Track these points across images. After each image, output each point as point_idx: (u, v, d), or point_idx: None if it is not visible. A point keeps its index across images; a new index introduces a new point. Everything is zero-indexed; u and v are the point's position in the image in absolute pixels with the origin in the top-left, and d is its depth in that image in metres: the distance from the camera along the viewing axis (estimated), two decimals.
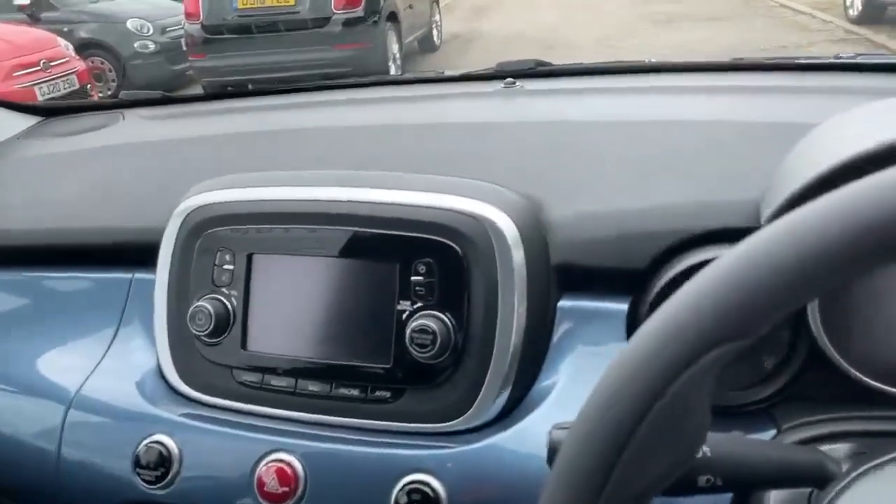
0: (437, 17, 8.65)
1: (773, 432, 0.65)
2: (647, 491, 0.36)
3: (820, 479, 0.48)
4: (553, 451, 0.49)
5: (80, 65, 6.03)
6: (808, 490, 0.55)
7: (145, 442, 0.75)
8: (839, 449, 0.59)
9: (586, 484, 0.35)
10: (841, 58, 1.08)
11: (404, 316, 0.70)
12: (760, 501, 0.57)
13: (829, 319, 0.64)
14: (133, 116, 1.20)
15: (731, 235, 0.69)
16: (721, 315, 0.33)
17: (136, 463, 0.75)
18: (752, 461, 0.47)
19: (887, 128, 0.60)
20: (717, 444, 0.47)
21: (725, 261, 0.34)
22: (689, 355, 0.34)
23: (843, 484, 0.44)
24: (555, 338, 0.73)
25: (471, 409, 0.70)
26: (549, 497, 0.36)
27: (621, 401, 0.35)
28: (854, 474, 0.45)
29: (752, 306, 0.33)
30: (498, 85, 1.09)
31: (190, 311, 0.76)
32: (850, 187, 0.32)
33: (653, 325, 0.35)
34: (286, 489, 0.70)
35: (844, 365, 0.64)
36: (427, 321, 0.69)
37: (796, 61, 1.11)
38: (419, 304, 0.70)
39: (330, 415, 0.73)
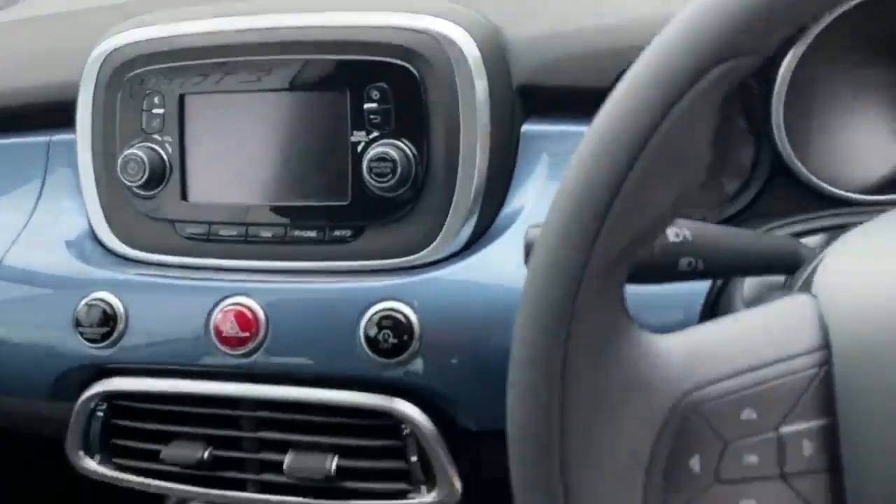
0: None
1: None
2: (649, 231, 0.34)
3: (796, 264, 0.48)
4: (531, 247, 0.47)
5: None
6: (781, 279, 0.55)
7: (84, 301, 0.70)
8: (812, 241, 0.59)
9: (586, 214, 0.32)
10: None
11: (360, 147, 0.66)
12: (735, 289, 0.57)
13: (791, 132, 0.64)
14: None
15: None
16: (733, 26, 0.31)
17: (77, 324, 0.70)
18: (733, 246, 0.47)
19: None
20: (697, 228, 0.46)
21: None
22: (697, 67, 0.32)
23: (817, 260, 0.43)
24: (519, 163, 0.70)
25: (435, 241, 0.67)
26: (548, 225, 0.34)
27: (626, 118, 0.32)
28: (826, 250, 0.44)
29: (764, 18, 0.31)
30: None
31: (120, 161, 0.69)
32: None
33: (661, 38, 0.33)
34: (246, 334, 0.67)
35: (807, 174, 0.64)
36: (385, 149, 0.64)
37: None
38: (375, 134, 0.66)
39: (286, 260, 0.69)
